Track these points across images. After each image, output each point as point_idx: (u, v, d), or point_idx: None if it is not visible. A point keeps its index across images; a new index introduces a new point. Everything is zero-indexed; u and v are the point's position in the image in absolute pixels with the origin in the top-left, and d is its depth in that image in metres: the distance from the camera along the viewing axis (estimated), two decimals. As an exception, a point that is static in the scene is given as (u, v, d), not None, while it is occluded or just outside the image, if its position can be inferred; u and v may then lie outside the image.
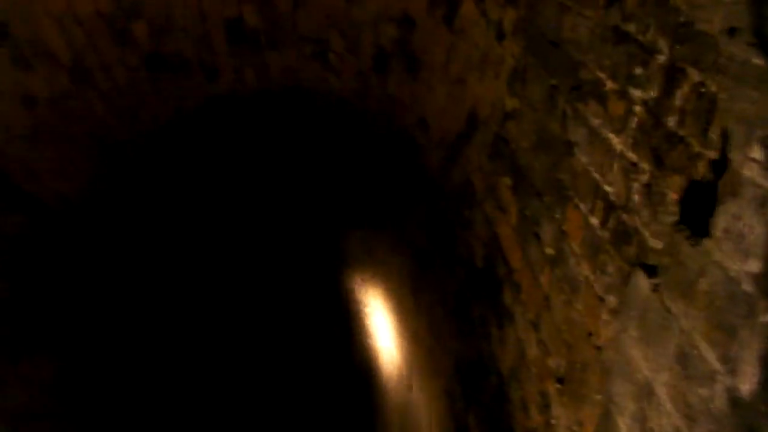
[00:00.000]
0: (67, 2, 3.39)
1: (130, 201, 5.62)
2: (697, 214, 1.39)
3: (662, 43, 1.61)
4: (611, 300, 1.78)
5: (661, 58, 1.61)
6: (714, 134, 1.36)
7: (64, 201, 4.46)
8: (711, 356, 1.25)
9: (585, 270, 1.98)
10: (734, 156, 1.28)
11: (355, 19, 3.73)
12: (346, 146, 5.16)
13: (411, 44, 3.64)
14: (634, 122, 1.72)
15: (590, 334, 1.92)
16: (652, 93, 1.63)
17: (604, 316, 1.82)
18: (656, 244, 1.54)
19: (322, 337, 10.59)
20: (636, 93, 1.71)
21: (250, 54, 4.09)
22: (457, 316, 3.72)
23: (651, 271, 1.47)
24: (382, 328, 6.75)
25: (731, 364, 1.19)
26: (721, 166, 1.33)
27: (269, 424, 10.96)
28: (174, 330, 8.56)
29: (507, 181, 2.80)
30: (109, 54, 3.79)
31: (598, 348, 1.86)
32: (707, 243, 1.33)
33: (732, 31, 1.32)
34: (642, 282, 1.45)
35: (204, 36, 3.86)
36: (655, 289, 1.41)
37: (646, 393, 1.41)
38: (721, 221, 1.29)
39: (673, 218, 1.47)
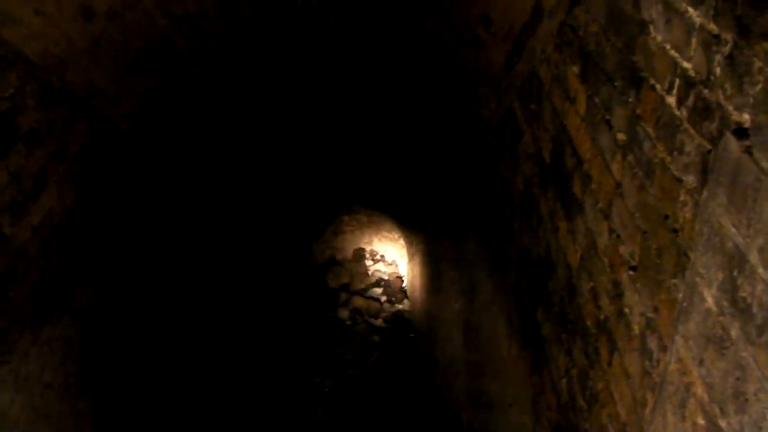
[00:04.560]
0: None
1: (190, 118, 5.66)
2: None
3: None
4: (690, 180, 1.73)
5: None
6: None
7: (125, 116, 4.51)
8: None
9: (660, 152, 1.93)
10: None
11: None
12: (407, 47, 5.06)
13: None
14: (715, -8, 1.63)
15: (666, 217, 1.88)
16: (737, -42, 1.54)
17: (683, 197, 1.77)
18: (740, 117, 1.48)
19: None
20: (718, -40, 1.62)
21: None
22: (525, 211, 3.70)
23: (742, 133, 1.41)
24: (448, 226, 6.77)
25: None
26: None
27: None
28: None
29: (575, 69, 2.73)
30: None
31: (675, 231, 1.82)
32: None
33: None
34: (732, 146, 1.39)
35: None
36: (747, 150, 1.35)
37: (737, 262, 1.38)
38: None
39: (762, 88, 1.40)
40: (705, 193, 1.55)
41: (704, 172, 1.64)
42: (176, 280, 6.48)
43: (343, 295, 15.17)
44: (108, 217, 4.66)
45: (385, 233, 16.46)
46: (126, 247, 5.13)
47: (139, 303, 5.53)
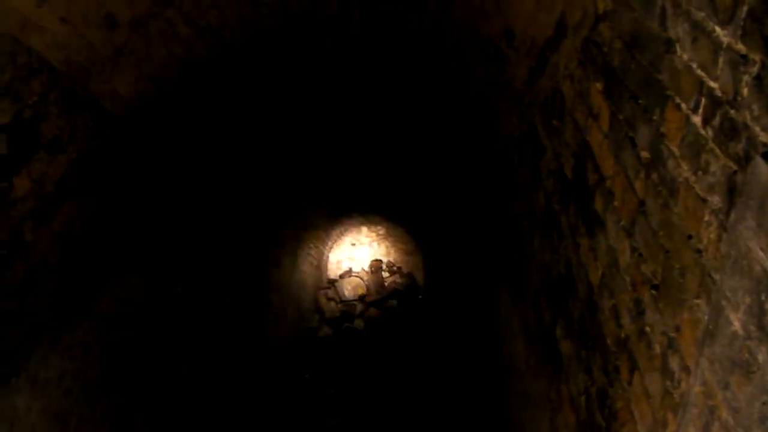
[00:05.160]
0: None
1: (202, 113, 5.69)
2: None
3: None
4: (714, 200, 1.72)
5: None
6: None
7: (140, 119, 4.52)
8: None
9: (685, 171, 1.91)
10: None
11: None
12: (429, 60, 5.07)
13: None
14: (743, 11, 1.62)
15: (690, 237, 1.87)
16: (766, -22, 1.53)
17: (707, 218, 1.76)
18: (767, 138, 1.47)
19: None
20: (746, -21, 1.61)
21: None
22: (545, 227, 3.68)
23: (770, 155, 1.40)
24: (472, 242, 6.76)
25: None
26: None
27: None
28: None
29: (599, 86, 2.71)
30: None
31: (699, 251, 1.81)
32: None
33: None
34: (762, 169, 1.38)
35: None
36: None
37: (765, 286, 1.36)
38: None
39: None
40: (733, 216, 1.53)
41: (730, 192, 1.63)
42: (196, 280, 6.51)
43: (359, 306, 15.18)
44: (127, 220, 4.68)
45: (401, 245, 16.47)
46: (143, 252, 5.16)
47: (159, 305, 5.56)
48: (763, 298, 1.36)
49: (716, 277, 1.65)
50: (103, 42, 3.57)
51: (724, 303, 1.54)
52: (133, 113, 4.28)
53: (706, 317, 1.68)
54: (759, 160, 1.41)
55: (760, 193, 1.36)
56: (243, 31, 4.75)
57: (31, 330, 3.61)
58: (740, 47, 1.63)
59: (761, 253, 1.35)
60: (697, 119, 1.85)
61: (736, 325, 1.48)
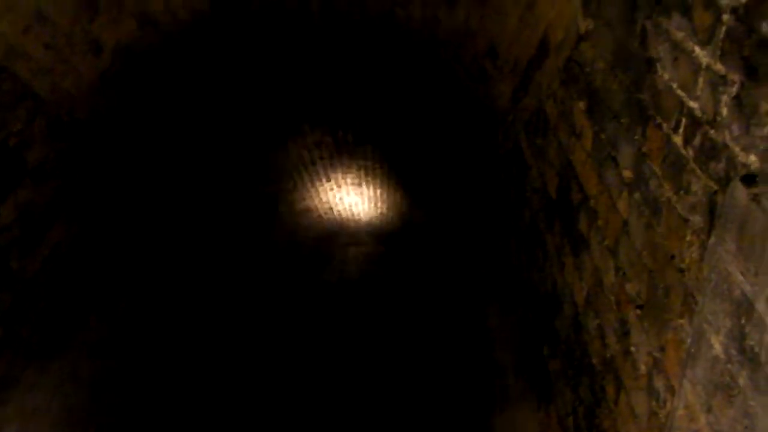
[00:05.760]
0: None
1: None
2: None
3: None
4: (696, 220, 1.71)
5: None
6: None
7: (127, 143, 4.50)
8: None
9: (667, 191, 1.91)
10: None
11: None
12: (412, 77, 5.08)
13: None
14: (722, 32, 1.62)
15: (673, 257, 1.86)
16: (743, -1, 1.53)
17: (689, 237, 1.75)
18: (747, 158, 1.47)
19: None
20: (724, 0, 1.61)
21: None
22: (531, 245, 3.68)
23: (749, 180, 1.39)
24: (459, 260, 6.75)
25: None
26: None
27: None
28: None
29: (581, 105, 2.72)
30: None
31: (682, 271, 1.80)
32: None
33: None
34: (740, 193, 1.38)
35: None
36: (755, 198, 1.33)
37: (745, 310, 1.35)
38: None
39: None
40: (713, 239, 1.52)
41: (711, 212, 1.62)
42: (180, 293, 6.46)
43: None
44: (115, 239, 4.65)
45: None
46: (131, 275, 5.12)
47: (147, 323, 5.51)
48: (743, 321, 1.35)
49: (698, 297, 1.64)
50: (88, 68, 3.56)
51: (705, 326, 1.53)
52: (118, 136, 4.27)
53: (689, 339, 1.67)
54: (737, 184, 1.41)
55: (739, 217, 1.36)
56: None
57: (18, 357, 3.56)
58: (719, 67, 1.63)
59: (741, 277, 1.35)
60: (678, 139, 1.85)
61: (718, 349, 1.46)
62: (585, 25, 2.66)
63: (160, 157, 5.17)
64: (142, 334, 5.39)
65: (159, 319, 5.77)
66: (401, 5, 4.08)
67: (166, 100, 4.70)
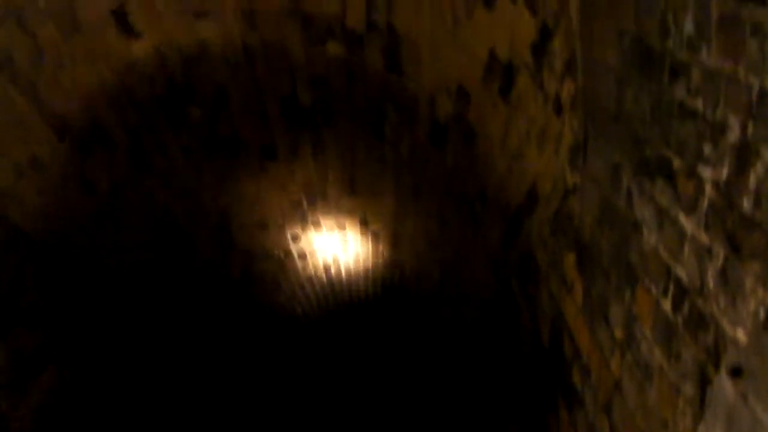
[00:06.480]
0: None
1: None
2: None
3: (733, 121, 1.52)
4: (687, 389, 1.68)
5: (732, 137, 1.52)
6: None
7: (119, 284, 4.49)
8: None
9: (658, 356, 1.88)
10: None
11: (410, 93, 3.74)
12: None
13: (467, 117, 3.62)
14: (705, 203, 1.63)
15: (666, 425, 1.82)
16: (724, 173, 1.54)
17: (682, 406, 1.71)
18: (735, 332, 1.45)
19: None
20: (706, 172, 1.62)
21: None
22: (523, 396, 3.60)
23: (735, 372, 1.37)
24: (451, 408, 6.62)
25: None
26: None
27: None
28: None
29: (571, 257, 2.72)
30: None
31: (676, 440, 1.75)
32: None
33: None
34: (727, 386, 1.35)
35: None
36: (742, 395, 1.31)
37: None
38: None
39: (754, 310, 1.37)
40: (703, 427, 1.49)
41: (702, 384, 1.58)
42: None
43: None
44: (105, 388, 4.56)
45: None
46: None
47: None
48: None
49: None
50: (81, 208, 3.59)
51: None
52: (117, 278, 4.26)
53: None
54: (724, 378, 1.39)
55: (727, 410, 1.33)
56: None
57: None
58: (704, 238, 1.63)
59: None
60: (667, 304, 1.83)
61: None
62: (573, 179, 2.70)
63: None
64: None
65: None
66: (391, 145, 4.18)
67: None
